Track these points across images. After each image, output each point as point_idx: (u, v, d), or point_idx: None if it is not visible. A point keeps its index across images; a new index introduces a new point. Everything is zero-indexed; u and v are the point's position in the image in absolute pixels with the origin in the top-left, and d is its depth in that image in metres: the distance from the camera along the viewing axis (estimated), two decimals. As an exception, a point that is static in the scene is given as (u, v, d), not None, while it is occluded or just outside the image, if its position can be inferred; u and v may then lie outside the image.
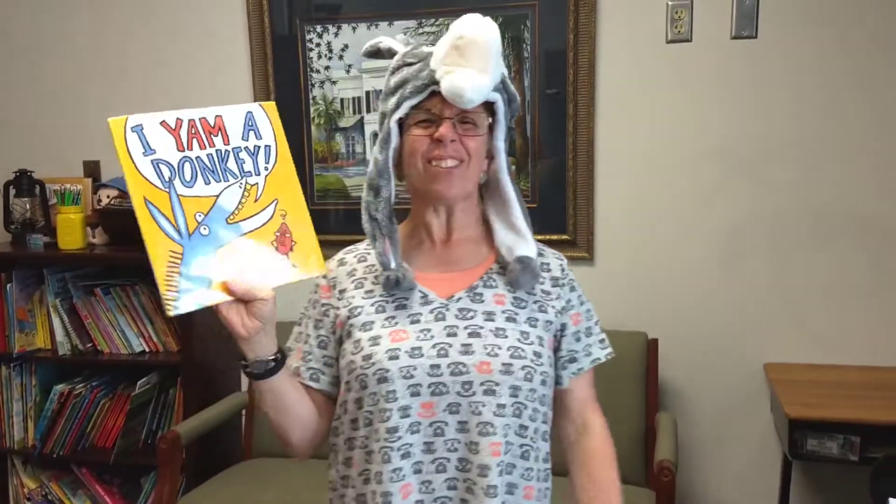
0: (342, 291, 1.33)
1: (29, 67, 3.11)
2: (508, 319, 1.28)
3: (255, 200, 1.13)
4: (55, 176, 3.00)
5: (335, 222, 2.85)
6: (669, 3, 2.56)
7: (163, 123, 1.11)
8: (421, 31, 2.72)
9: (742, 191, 2.60)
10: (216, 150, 1.12)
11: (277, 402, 1.25)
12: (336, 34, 2.81)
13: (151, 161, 1.08)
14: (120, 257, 2.83)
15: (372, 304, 1.29)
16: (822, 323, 2.59)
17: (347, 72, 2.82)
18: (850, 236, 2.54)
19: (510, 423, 1.24)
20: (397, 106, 1.25)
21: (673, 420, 2.53)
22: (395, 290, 1.26)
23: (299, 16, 2.83)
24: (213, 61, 2.94)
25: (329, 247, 1.29)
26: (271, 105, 1.19)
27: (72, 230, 2.81)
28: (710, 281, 2.65)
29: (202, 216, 1.09)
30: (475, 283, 1.30)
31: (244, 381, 2.97)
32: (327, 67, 2.83)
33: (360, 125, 2.84)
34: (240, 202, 1.12)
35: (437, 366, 1.23)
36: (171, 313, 1.09)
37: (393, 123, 1.26)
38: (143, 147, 1.09)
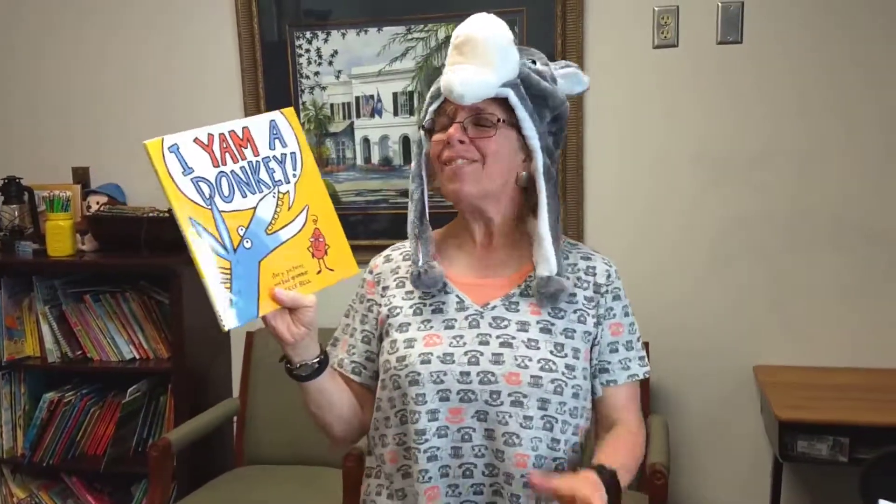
0: (385, 288, 1.37)
1: (18, 73, 3.10)
2: (543, 330, 1.27)
3: (289, 208, 1.16)
4: (44, 182, 2.99)
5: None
6: (656, 8, 2.58)
7: (196, 140, 1.10)
8: (410, 36, 2.72)
9: (730, 194, 2.61)
10: (248, 163, 1.13)
11: (321, 400, 1.28)
12: (325, 40, 2.81)
13: (191, 180, 1.09)
14: (109, 264, 2.82)
15: (410, 306, 1.32)
16: (811, 325, 2.61)
17: (337, 77, 2.82)
18: (837, 238, 2.56)
19: (540, 437, 1.24)
20: (424, 114, 1.30)
21: (664, 423, 2.54)
22: (419, 284, 1.30)
23: (289, 22, 2.83)
24: (203, 67, 2.93)
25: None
26: (291, 111, 1.19)
27: (61, 237, 2.80)
28: (700, 284, 2.66)
29: (244, 230, 1.11)
30: (512, 292, 1.30)
31: (235, 387, 2.96)
32: (317, 73, 2.83)
33: (350, 130, 2.84)
34: (275, 212, 1.14)
35: (468, 373, 1.24)
36: (227, 328, 1.10)
37: (421, 131, 1.31)
38: (182, 166, 1.09)
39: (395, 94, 2.79)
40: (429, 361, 1.25)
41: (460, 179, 1.25)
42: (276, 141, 1.16)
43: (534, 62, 1.28)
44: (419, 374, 1.25)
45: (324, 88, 2.84)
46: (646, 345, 2.58)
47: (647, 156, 2.66)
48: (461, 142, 1.23)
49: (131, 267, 2.80)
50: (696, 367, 2.69)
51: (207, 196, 1.09)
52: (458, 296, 1.31)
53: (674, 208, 2.65)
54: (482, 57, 1.20)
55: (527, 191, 1.32)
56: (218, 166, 1.11)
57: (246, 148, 1.13)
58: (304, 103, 2.86)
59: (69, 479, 2.94)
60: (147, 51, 2.98)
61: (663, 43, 2.60)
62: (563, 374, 1.25)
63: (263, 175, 1.14)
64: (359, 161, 2.85)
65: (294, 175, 1.17)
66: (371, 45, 2.78)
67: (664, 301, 2.69)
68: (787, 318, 2.62)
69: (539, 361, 1.25)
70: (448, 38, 2.65)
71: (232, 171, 1.12)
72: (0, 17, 3.08)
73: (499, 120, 1.24)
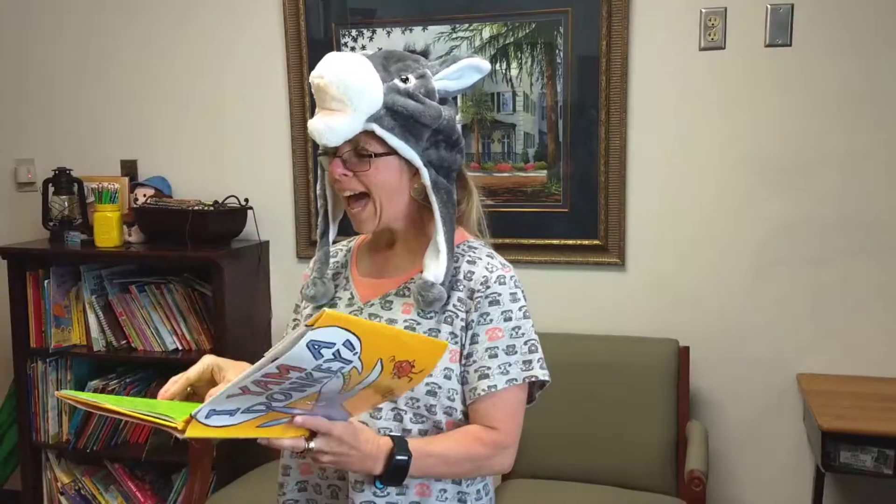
0: (310, 283, 1.43)
1: (69, 68, 3.17)
2: (407, 328, 1.28)
3: (359, 373, 1.04)
4: (93, 174, 3.06)
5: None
6: (703, 10, 2.55)
7: (229, 398, 1.01)
8: (455, 35, 2.73)
9: (776, 198, 2.57)
10: (297, 376, 1.01)
11: None
12: (371, 38, 2.83)
13: (241, 412, 1.04)
14: (155, 255, 2.87)
15: (309, 303, 1.42)
16: (855, 333, 2.56)
17: (381, 76, 2.83)
18: (885, 246, 2.51)
19: (390, 427, 1.25)
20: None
21: (704, 429, 2.51)
22: (311, 301, 1.39)
23: (335, 20, 2.85)
24: (250, 64, 2.97)
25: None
26: (327, 316, 0.96)
27: (108, 228, 2.86)
28: (743, 289, 2.63)
29: (313, 403, 1.07)
30: (389, 291, 1.34)
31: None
32: (361, 71, 2.85)
33: (392, 129, 2.85)
34: (344, 383, 1.05)
35: None
36: None
37: (320, 157, 1.33)
38: (227, 415, 1.03)
39: (438, 93, 2.79)
40: None
41: (359, 223, 1.32)
42: (322, 349, 0.98)
43: (405, 80, 1.27)
44: None
45: (368, 86, 2.85)
46: (686, 349, 2.59)
47: (691, 159, 2.63)
48: (344, 174, 1.27)
49: (176, 259, 2.84)
50: (739, 373, 2.66)
51: (264, 409, 1.04)
52: (351, 293, 1.39)
53: (717, 213, 2.62)
54: (339, 101, 1.22)
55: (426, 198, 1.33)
56: (262, 393, 1.02)
57: (289, 372, 1.00)
58: (348, 101, 2.87)
59: (112, 465, 3.00)
60: (194, 47, 3.02)
61: (710, 45, 2.56)
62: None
63: (319, 374, 1.01)
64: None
65: (355, 353, 1.01)
66: (416, 44, 2.77)
67: (707, 306, 2.66)
68: (831, 326, 2.57)
69: None
70: (493, 37, 2.68)
71: (281, 387, 1.02)
72: (51, 13, 3.16)
73: (371, 154, 1.26)
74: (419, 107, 1.26)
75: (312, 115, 1.28)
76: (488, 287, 1.30)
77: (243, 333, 2.82)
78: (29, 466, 3.02)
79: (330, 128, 1.23)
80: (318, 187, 1.41)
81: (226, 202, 2.89)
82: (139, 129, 3.13)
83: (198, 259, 2.77)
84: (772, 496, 2.69)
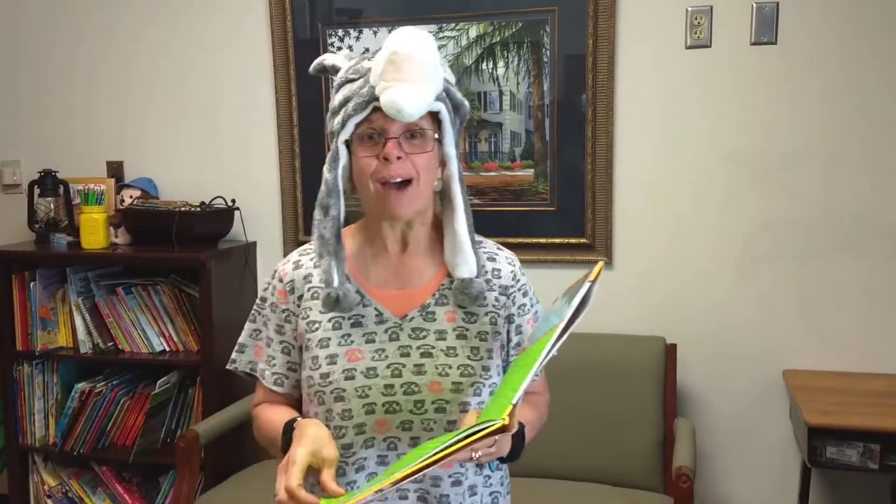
0: (300, 298, 1.33)
1: (54, 69, 3.15)
2: (459, 337, 1.30)
3: None
4: (79, 176, 3.04)
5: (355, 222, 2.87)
6: (689, 8, 2.56)
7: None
8: (441, 34, 2.73)
9: (762, 196, 2.59)
10: None
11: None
12: (357, 38, 2.82)
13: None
14: (142, 257, 2.86)
15: (329, 320, 1.30)
16: (841, 330, 2.58)
17: (368, 75, 2.83)
18: (870, 242, 2.53)
19: (435, 420, 1.26)
20: (342, 125, 1.24)
21: (691, 426, 2.52)
22: (335, 308, 1.28)
23: (321, 20, 2.85)
24: (237, 64, 2.96)
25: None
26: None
27: (95, 230, 2.85)
28: (730, 286, 2.64)
29: None
30: (427, 302, 1.31)
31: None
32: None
33: (379, 128, 2.85)
34: None
35: (391, 385, 1.26)
36: None
37: (341, 144, 1.25)
38: None
39: (425, 93, 2.79)
40: (353, 377, 1.26)
41: (400, 201, 1.24)
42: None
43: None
44: (344, 390, 1.26)
45: (355, 86, 2.85)
46: (673, 346, 2.60)
47: (677, 156, 2.64)
48: (399, 158, 1.22)
49: (163, 260, 2.83)
50: (725, 370, 2.67)
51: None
52: (376, 308, 1.30)
53: (703, 210, 2.63)
54: (420, 74, 1.19)
55: (436, 195, 1.33)
56: None
57: None
58: (334, 100, 2.87)
59: (99, 468, 2.98)
60: (181, 47, 3.01)
61: (696, 43, 2.58)
62: (480, 376, 1.28)
63: None
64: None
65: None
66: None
67: (693, 303, 2.67)
68: (818, 323, 2.59)
69: (458, 368, 1.27)
70: (479, 36, 2.68)
71: None
72: (37, 14, 3.14)
73: (435, 135, 1.25)
74: (462, 99, 1.29)
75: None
76: (517, 280, 1.38)
77: (231, 334, 2.79)
78: (16, 469, 3.00)
79: (413, 98, 1.17)
80: (330, 178, 1.27)
81: (212, 203, 2.88)
82: (125, 131, 3.11)
83: (185, 260, 2.76)
84: (759, 491, 2.70)
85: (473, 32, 2.72)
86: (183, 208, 2.81)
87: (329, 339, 1.29)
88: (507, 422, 1.00)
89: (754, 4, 2.51)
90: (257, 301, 1.41)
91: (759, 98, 2.55)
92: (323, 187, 1.29)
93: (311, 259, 1.35)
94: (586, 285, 1.07)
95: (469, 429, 1.02)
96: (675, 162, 2.64)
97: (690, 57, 2.58)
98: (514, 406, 1.02)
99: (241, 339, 1.42)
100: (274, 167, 2.96)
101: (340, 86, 1.28)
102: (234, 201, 2.92)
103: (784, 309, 2.61)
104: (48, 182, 2.98)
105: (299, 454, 1.13)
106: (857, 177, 2.52)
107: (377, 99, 1.20)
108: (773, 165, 2.57)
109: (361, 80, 1.24)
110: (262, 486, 2.57)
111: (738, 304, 2.64)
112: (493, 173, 2.76)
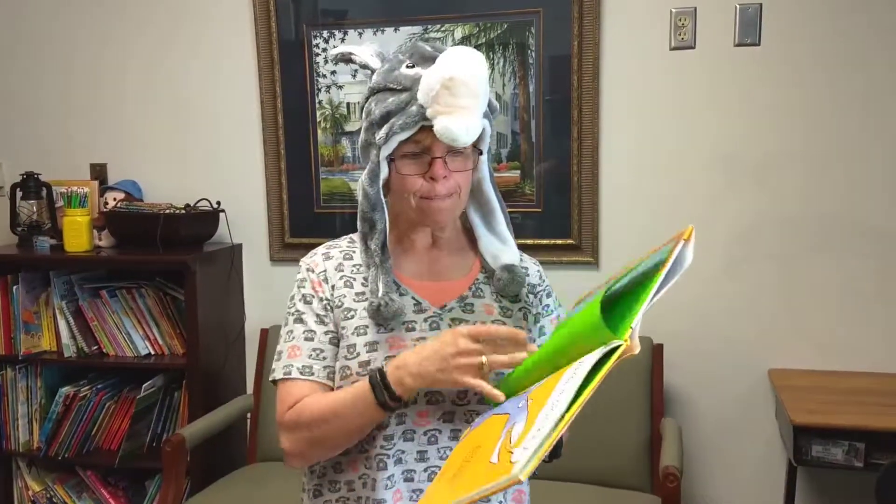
0: (334, 287, 1.31)
1: (36, 70, 3.13)
2: None
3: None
4: (62, 178, 3.02)
5: (340, 225, 2.86)
6: (673, 10, 2.57)
7: None
8: (426, 36, 2.73)
9: (747, 197, 2.60)
10: None
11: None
12: (342, 39, 2.82)
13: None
14: (126, 260, 2.84)
15: (365, 308, 1.28)
16: (826, 329, 2.59)
17: (353, 76, 2.83)
18: (855, 242, 2.55)
19: (441, 430, 1.26)
20: (386, 140, 1.22)
21: (678, 426, 2.53)
22: (377, 317, 1.25)
23: (306, 21, 2.84)
24: (221, 66, 2.95)
25: (335, 249, 1.30)
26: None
27: (78, 233, 2.82)
28: (716, 286, 2.65)
29: None
30: (465, 294, 1.32)
31: (249, 384, 2.97)
32: (333, 72, 2.84)
33: (365, 130, 2.84)
34: None
35: None
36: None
37: (383, 157, 1.24)
38: None
39: (411, 94, 2.79)
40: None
41: (440, 212, 1.25)
42: None
43: None
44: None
45: (340, 87, 2.85)
46: (659, 347, 2.61)
47: (663, 157, 2.65)
48: (445, 177, 1.23)
49: (147, 263, 2.82)
50: (711, 370, 2.68)
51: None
52: (414, 297, 1.30)
53: (688, 210, 2.64)
54: (475, 98, 1.18)
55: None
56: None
57: None
58: (320, 102, 2.87)
59: (84, 472, 2.96)
60: (165, 49, 2.99)
61: (680, 44, 2.59)
62: None
63: None
64: (374, 160, 2.85)
65: None
66: (387, 45, 2.78)
67: (678, 304, 2.67)
68: (802, 322, 2.61)
69: None
70: (465, 38, 2.68)
71: None
72: (23, 16, 3.11)
73: (480, 151, 1.27)
74: (495, 103, 1.31)
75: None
76: (544, 280, 1.42)
77: (216, 337, 2.80)
78: (-1, 475, 2.98)
79: (467, 128, 1.17)
80: (372, 192, 1.26)
81: (197, 205, 2.86)
82: (109, 133, 3.09)
83: (169, 263, 2.74)
84: (745, 490, 2.71)
85: (459, 34, 2.72)
86: (167, 211, 2.79)
87: (367, 326, 1.27)
88: (628, 343, 0.99)
89: (738, 5, 2.52)
90: (288, 304, 1.34)
91: (742, 99, 2.56)
92: (364, 201, 1.28)
93: (340, 251, 1.35)
94: (680, 245, 1.06)
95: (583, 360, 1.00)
96: (660, 162, 2.65)
97: (675, 58, 2.59)
98: (634, 330, 1.01)
99: (279, 348, 1.33)
100: (259, 169, 2.95)
101: (377, 91, 1.26)
102: (219, 203, 2.90)
103: (768, 309, 2.62)
104: (31, 184, 2.96)
105: (459, 331, 1.14)
106: (837, 178, 2.53)
107: (426, 119, 1.19)
108: (756, 165, 2.58)
109: (407, 94, 1.21)
110: (249, 489, 2.57)
111: (724, 305, 2.65)
112: (479, 174, 2.76)
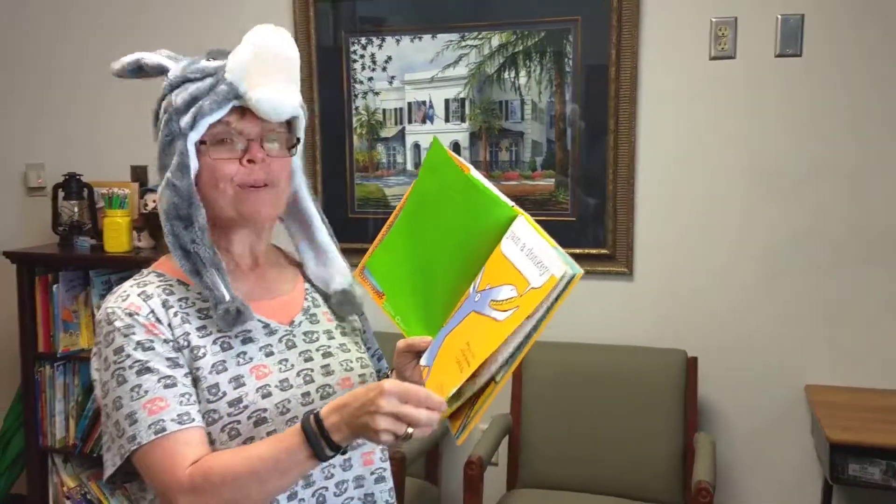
0: (171, 326, 1.14)
1: (80, 74, 3.19)
2: (342, 333, 1.29)
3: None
4: (103, 180, 3.07)
5: (373, 230, 2.87)
6: (713, 19, 2.55)
7: None
8: (464, 43, 2.73)
9: (784, 208, 2.56)
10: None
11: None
12: (380, 46, 2.83)
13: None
14: (163, 262, 2.87)
15: (214, 342, 1.15)
16: (863, 345, 2.54)
17: (390, 83, 2.84)
18: (890, 257, 2.49)
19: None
20: (192, 125, 1.13)
21: (711, 440, 2.50)
22: (237, 324, 1.13)
23: (344, 28, 2.86)
24: (259, 71, 2.98)
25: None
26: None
27: (118, 233, 2.87)
28: (751, 300, 2.61)
29: None
30: (306, 305, 1.28)
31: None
32: (370, 78, 2.86)
33: (401, 136, 2.86)
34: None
35: (308, 393, 1.18)
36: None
37: (191, 145, 1.14)
38: None
39: (447, 101, 2.80)
40: (270, 394, 1.14)
41: (259, 203, 1.16)
42: None
43: None
44: (265, 409, 1.12)
45: (377, 94, 2.86)
46: (694, 360, 2.58)
47: (700, 168, 2.62)
48: (262, 160, 1.14)
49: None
50: (746, 385, 2.64)
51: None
52: (260, 320, 1.19)
53: (725, 222, 2.61)
54: (290, 71, 1.15)
55: None
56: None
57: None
58: (356, 108, 2.88)
59: (118, 470, 2.99)
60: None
61: (720, 54, 2.56)
62: (368, 364, 1.29)
63: None
64: (409, 166, 2.86)
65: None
66: (424, 52, 2.79)
67: (714, 317, 2.65)
68: (839, 338, 2.56)
69: (357, 360, 1.27)
70: (502, 45, 2.68)
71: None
72: (67, 19, 3.18)
73: (297, 138, 1.20)
74: (304, 107, 1.24)
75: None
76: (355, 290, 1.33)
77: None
78: (35, 471, 3.02)
79: (284, 100, 1.13)
80: (183, 186, 1.13)
81: (234, 208, 2.89)
82: (149, 136, 3.11)
83: (206, 265, 2.77)
84: (779, 508, 2.67)
85: (496, 41, 2.72)
86: (205, 213, 2.82)
87: (224, 361, 1.14)
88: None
89: (779, 16, 2.49)
90: (112, 360, 1.12)
91: (783, 110, 2.53)
92: (174, 197, 1.14)
93: (158, 287, 1.18)
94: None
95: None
96: (697, 173, 2.62)
97: (714, 68, 2.57)
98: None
99: (125, 412, 1.08)
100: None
101: (177, 85, 1.17)
102: (255, 207, 2.92)
103: (806, 323, 2.58)
104: (72, 185, 3.01)
105: (389, 382, 0.99)
106: (881, 190, 2.49)
107: (237, 98, 1.13)
108: (795, 177, 2.55)
109: (211, 78, 1.15)
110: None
111: (759, 318, 2.61)
112: (513, 182, 2.76)
